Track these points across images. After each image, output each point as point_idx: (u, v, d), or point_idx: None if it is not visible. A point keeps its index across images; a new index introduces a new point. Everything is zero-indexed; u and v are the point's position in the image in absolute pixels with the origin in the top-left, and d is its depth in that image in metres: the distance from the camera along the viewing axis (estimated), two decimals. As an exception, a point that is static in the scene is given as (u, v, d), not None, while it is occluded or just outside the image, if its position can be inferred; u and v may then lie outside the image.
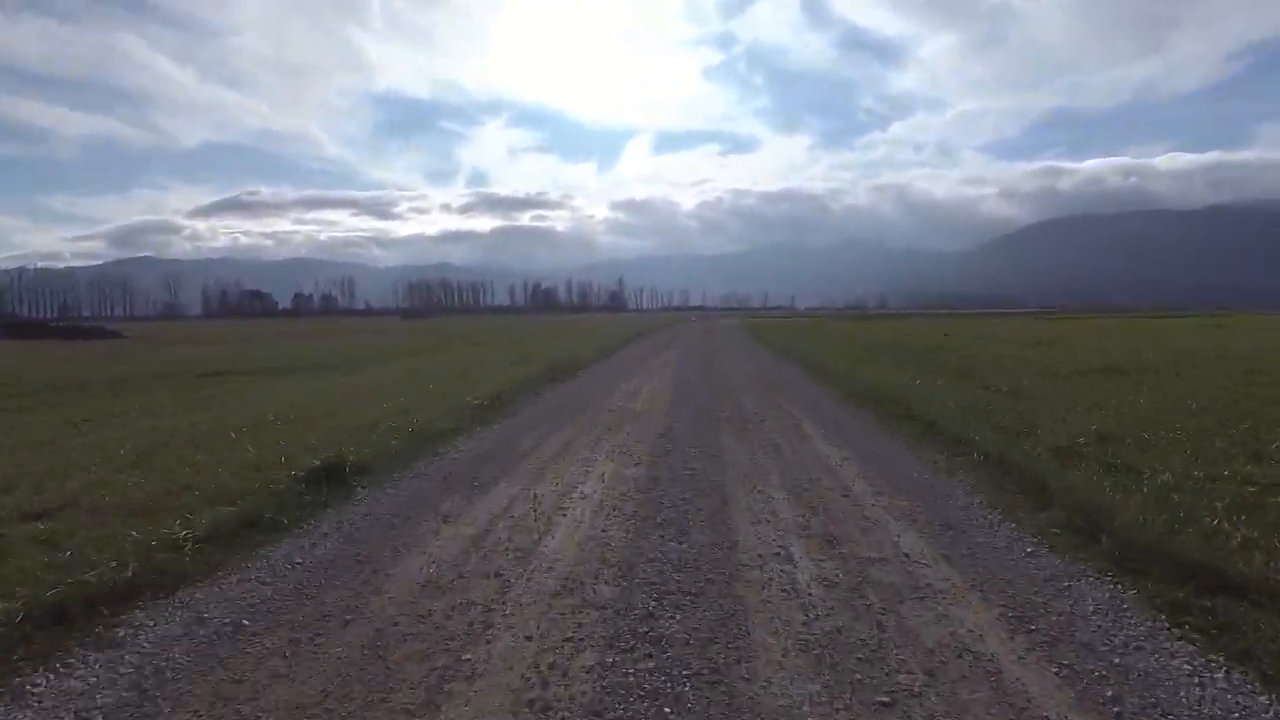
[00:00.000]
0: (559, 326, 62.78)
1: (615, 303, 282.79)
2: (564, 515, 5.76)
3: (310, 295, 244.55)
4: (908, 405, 10.70)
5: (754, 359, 22.54)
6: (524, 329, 59.19)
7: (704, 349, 27.50)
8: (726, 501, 6.10)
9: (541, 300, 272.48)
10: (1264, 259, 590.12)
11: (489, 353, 25.61)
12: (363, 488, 6.66)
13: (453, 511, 5.90)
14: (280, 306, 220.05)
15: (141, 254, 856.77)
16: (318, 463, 6.73)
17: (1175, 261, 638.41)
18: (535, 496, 6.30)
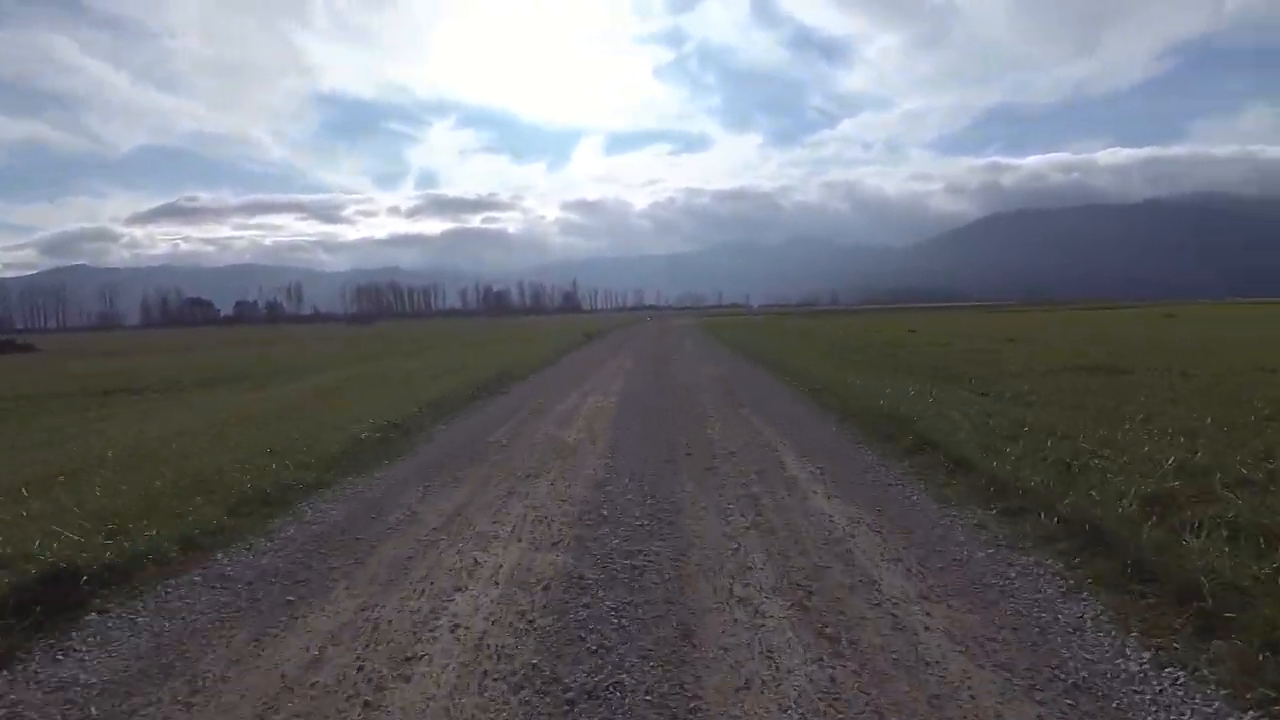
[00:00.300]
0: (507, 330, 60.07)
1: (569, 304, 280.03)
2: (406, 682, 3.28)
3: (255, 302, 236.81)
4: (908, 423, 8.47)
5: (713, 361, 20.52)
6: (472, 333, 56.26)
7: (657, 351, 25.38)
8: (689, 635, 3.68)
9: (494, 303, 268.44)
10: (1198, 252, 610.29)
11: (424, 361, 23.09)
12: (97, 614, 4.08)
13: (210, 679, 3.37)
14: (223, 314, 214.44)
15: (77, 262, 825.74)
16: (34, 571, 4.16)
17: (1114, 255, 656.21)
18: (373, 628, 3.81)
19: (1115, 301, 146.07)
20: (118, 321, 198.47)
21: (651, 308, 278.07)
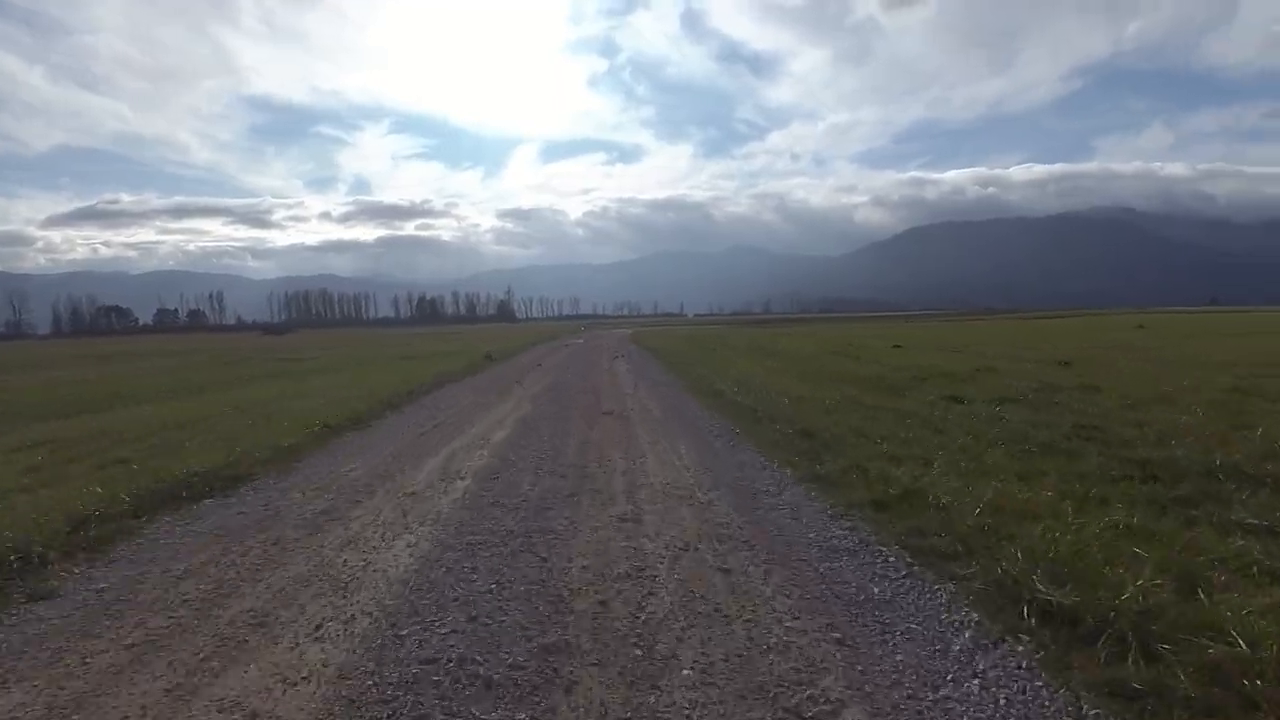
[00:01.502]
0: (425, 342, 54.72)
1: (503, 313, 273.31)
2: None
3: (175, 310, 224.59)
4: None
5: (660, 402, 14.22)
6: (379, 345, 50.53)
7: (580, 380, 20.21)
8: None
9: (427, 311, 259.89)
10: (1107, 263, 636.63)
11: (284, 390, 18.04)
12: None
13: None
14: (142, 323, 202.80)
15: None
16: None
17: (1030, 266, 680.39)
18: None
19: (1062, 310, 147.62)
20: (28, 330, 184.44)
21: (589, 316, 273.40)
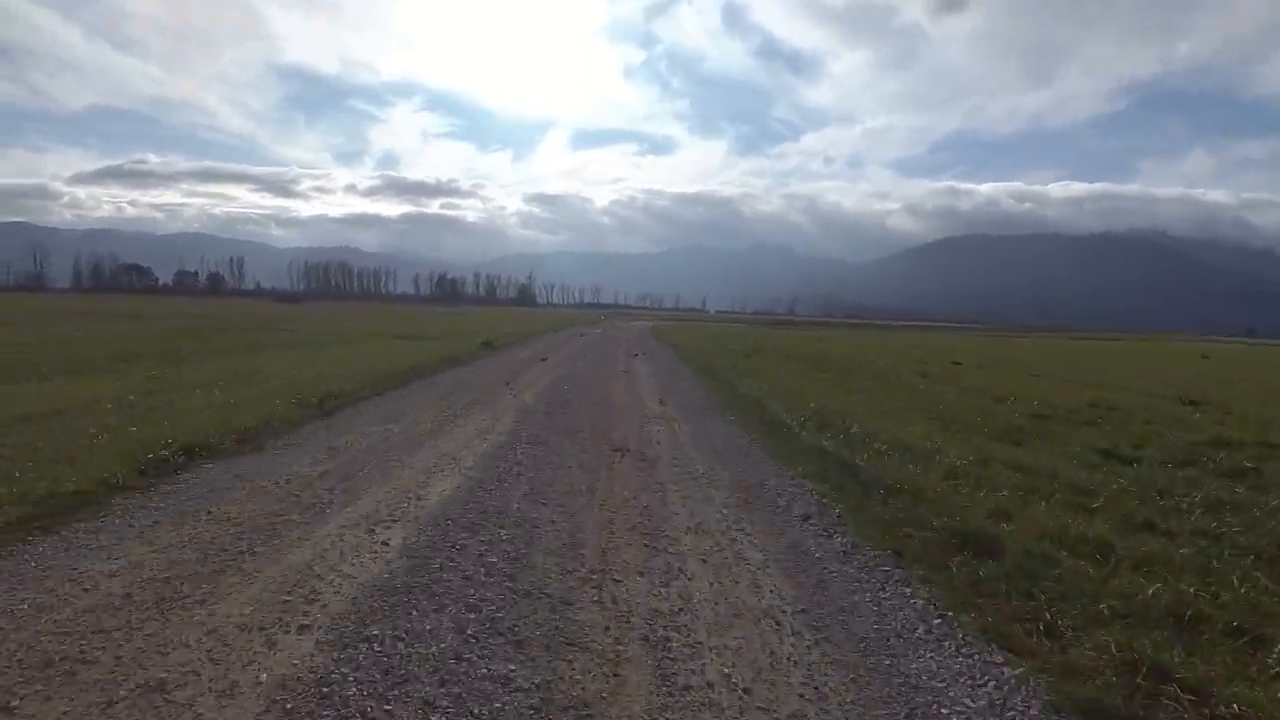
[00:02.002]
0: (431, 321, 51.30)
1: (524, 297, 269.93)
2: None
3: (195, 273, 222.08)
4: None
5: (699, 435, 10.35)
6: (383, 322, 47.03)
7: (589, 388, 15.68)
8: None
9: (447, 290, 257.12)
10: (1147, 285, 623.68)
11: (251, 365, 14.68)
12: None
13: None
14: (161, 283, 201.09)
15: (13, 219, 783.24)
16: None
17: (1067, 283, 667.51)
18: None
19: (1104, 331, 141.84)
20: (47, 283, 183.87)
21: (611, 306, 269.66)
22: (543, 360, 19.79)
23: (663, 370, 18.67)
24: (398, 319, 55.18)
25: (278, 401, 9.61)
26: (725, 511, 5.92)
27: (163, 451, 6.63)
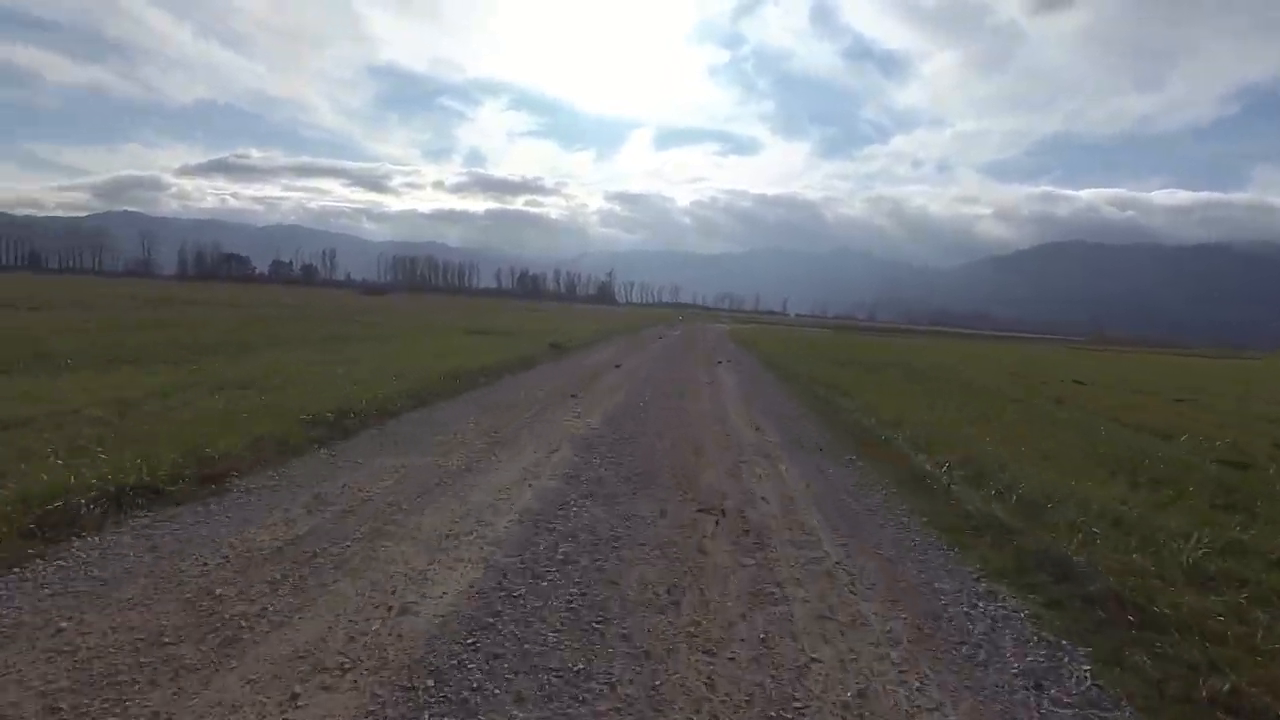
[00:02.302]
0: (510, 317, 50.07)
1: (603, 295, 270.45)
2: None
3: (290, 263, 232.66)
4: None
5: (854, 528, 8.25)
6: (462, 316, 45.94)
7: (668, 412, 13.17)
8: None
9: (528, 286, 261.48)
10: (1258, 300, 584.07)
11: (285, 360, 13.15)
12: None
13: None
14: (258, 272, 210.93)
15: (127, 209, 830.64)
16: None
17: (1171, 296, 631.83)
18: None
19: (1213, 349, 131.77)
20: (154, 270, 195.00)
21: (689, 306, 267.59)
22: (616, 367, 17.74)
23: (751, 383, 16.35)
24: (475, 313, 54.09)
25: (290, 415, 7.79)
26: (895, 657, 3.61)
27: (80, 498, 4.75)
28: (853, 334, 72.80)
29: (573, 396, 12.05)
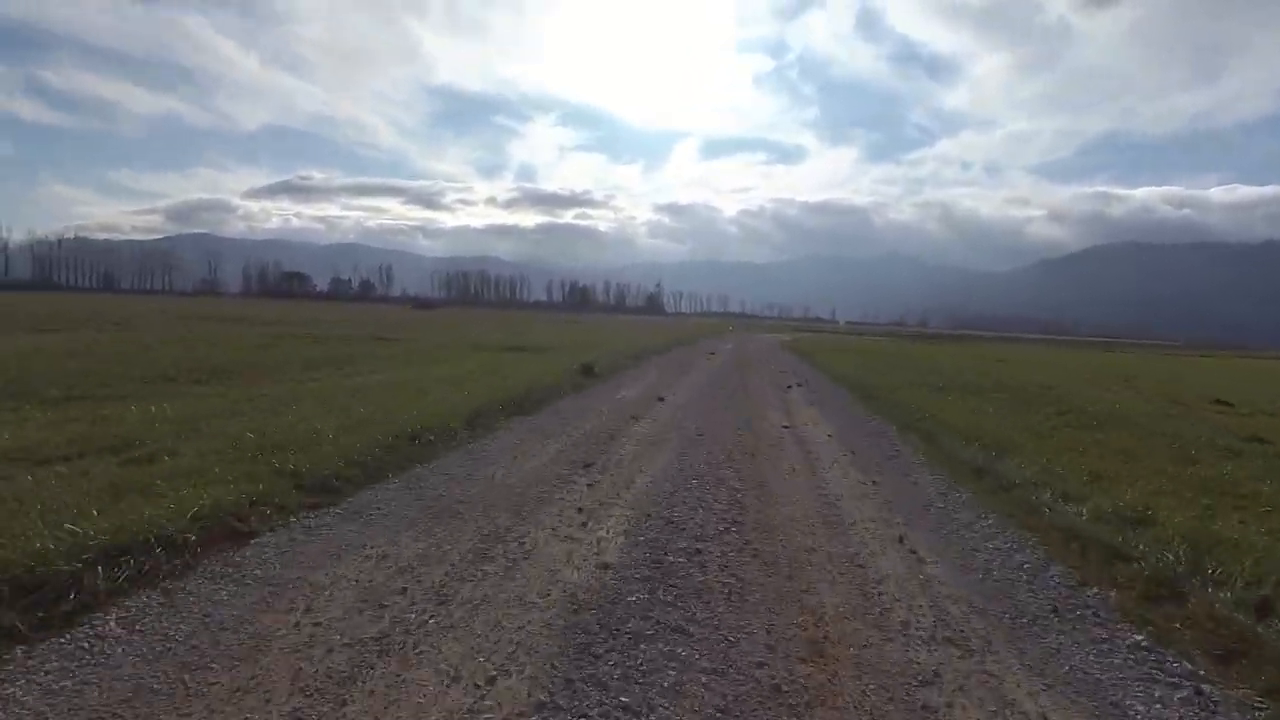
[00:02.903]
0: (556, 330, 47.93)
1: (652, 305, 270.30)
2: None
3: (349, 280, 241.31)
4: None
5: None
6: (509, 331, 43.92)
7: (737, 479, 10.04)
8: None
9: (578, 299, 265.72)
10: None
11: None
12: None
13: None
14: (318, 289, 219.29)
15: (196, 230, 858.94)
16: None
17: (1232, 296, 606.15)
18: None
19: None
20: (220, 288, 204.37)
21: (737, 315, 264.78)
22: (659, 401, 13.84)
23: (843, 423, 12.34)
24: (514, 327, 52.04)
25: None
26: None
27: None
28: (913, 342, 68.96)
29: (586, 467, 8.02)
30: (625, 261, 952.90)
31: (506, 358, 21.61)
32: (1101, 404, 15.32)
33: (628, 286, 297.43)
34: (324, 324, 41.54)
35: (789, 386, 18.19)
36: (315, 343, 25.32)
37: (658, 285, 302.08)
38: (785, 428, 11.62)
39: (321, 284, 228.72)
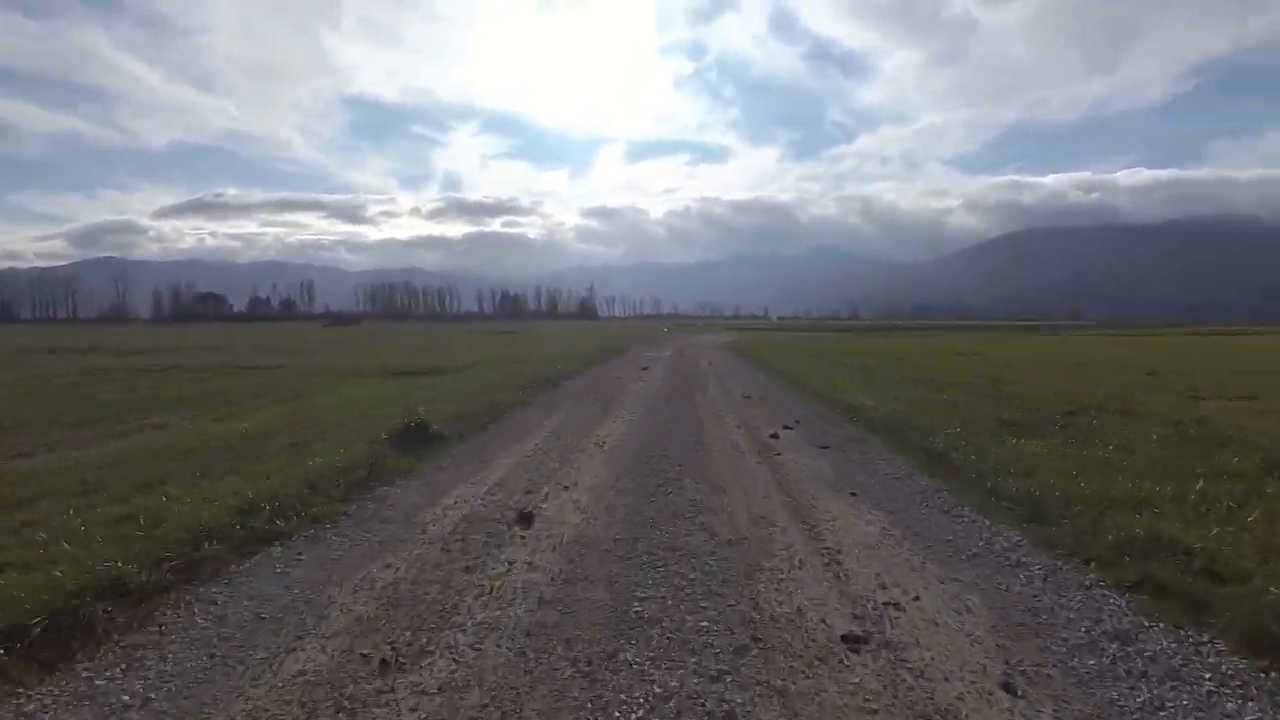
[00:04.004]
0: (473, 342, 43.19)
1: (585, 310, 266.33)
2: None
3: (268, 299, 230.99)
4: None
5: None
6: (415, 350, 38.92)
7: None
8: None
9: (509, 307, 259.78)
10: (1224, 274, 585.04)
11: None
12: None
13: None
14: (236, 309, 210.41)
15: (105, 254, 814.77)
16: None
17: (1141, 276, 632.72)
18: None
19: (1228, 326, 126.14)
20: (130, 314, 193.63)
21: (670, 317, 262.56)
22: (599, 447, 9.15)
23: (833, 455, 8.70)
24: (434, 341, 47.13)
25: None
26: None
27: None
28: (856, 337, 66.10)
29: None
30: (556, 267, 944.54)
31: (379, 389, 16.83)
32: (1058, 395, 11.47)
33: (559, 292, 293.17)
34: (183, 351, 35.92)
35: (774, 434, 10.53)
36: (134, 376, 20.05)
37: (589, 290, 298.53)
38: (762, 497, 6.72)
39: (240, 304, 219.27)
